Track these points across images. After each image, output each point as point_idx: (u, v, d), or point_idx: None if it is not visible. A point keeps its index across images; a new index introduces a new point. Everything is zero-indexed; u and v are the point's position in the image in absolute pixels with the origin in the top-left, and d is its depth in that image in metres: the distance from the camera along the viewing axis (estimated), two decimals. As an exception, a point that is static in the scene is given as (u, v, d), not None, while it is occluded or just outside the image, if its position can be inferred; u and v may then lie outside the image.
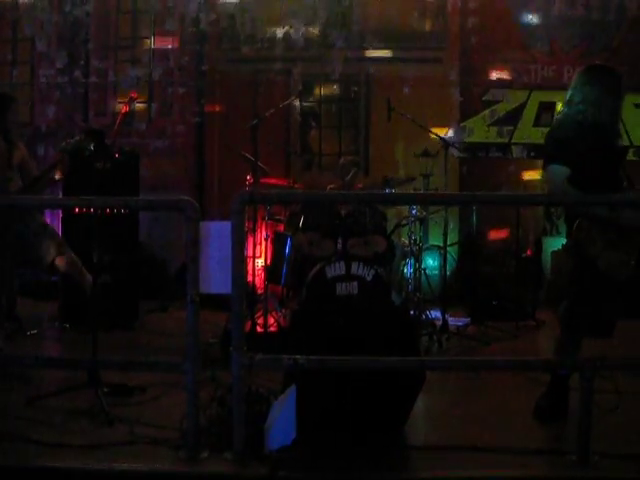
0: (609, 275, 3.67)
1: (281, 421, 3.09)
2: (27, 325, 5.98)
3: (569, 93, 4.11)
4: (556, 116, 4.00)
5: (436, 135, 6.79)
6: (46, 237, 5.24)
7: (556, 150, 3.88)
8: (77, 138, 5.66)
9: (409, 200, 5.55)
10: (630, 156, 8.72)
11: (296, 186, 7.09)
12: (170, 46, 9.03)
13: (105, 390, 4.08)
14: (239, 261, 3.02)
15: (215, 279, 3.12)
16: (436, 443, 3.50)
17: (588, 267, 3.71)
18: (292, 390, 3.14)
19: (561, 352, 3.90)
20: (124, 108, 4.57)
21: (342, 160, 7.12)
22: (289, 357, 3.18)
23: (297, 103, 8.69)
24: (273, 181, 6.83)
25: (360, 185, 6.87)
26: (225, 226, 3.03)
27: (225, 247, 3.08)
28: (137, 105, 8.82)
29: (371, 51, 8.85)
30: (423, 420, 3.95)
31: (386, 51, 8.85)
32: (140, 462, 3.18)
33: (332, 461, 3.19)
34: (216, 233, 3.07)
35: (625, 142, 8.72)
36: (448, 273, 8.22)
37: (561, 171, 3.78)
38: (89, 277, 5.12)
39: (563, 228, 7.95)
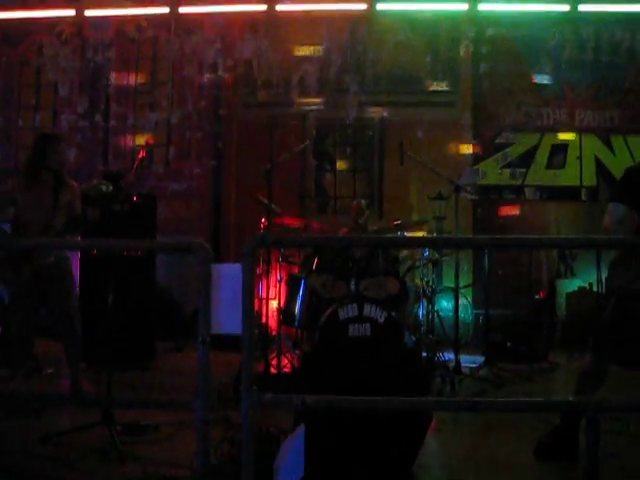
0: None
1: (290, 459, 3.13)
2: (44, 364, 6.05)
3: None
4: None
5: (447, 178, 6.87)
6: (67, 281, 5.31)
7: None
8: (94, 182, 5.79)
9: (415, 243, 5.64)
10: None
11: (313, 224, 7.14)
12: (188, 91, 9.25)
13: (119, 428, 4.14)
14: (249, 302, 3.09)
15: (226, 320, 3.19)
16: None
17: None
18: (301, 429, 3.19)
19: (580, 389, 3.93)
20: (141, 153, 4.71)
21: (355, 203, 7.21)
22: (297, 396, 3.23)
23: (311, 147, 8.83)
24: (288, 221, 6.89)
25: (375, 227, 6.95)
26: (236, 268, 3.11)
27: (236, 289, 3.15)
28: (155, 148, 9.03)
29: (385, 96, 9.02)
30: (432, 460, 3.97)
31: (400, 96, 9.01)
32: (150, 500, 3.24)
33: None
34: (227, 275, 3.15)
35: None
36: (471, 316, 8.30)
37: (618, 209, 3.80)
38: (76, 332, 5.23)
39: (578, 270, 8.01)
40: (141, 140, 8.90)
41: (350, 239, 5.16)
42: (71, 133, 9.40)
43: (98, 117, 9.40)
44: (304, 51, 9.05)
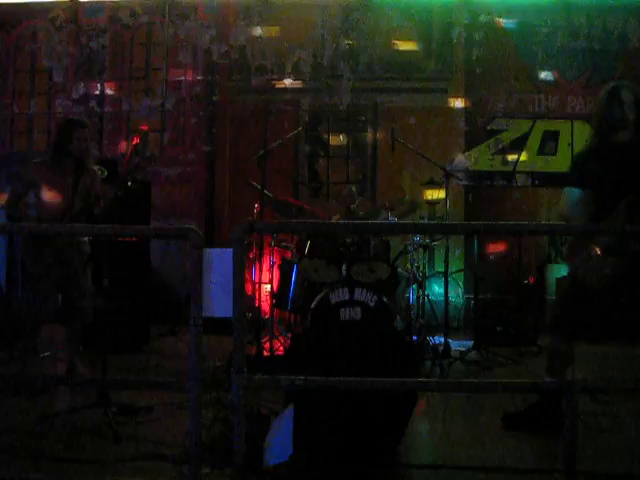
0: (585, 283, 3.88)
1: (279, 438, 3.23)
2: (40, 347, 6.14)
3: None
4: None
5: (438, 165, 6.95)
6: (85, 266, 5.38)
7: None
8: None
9: (410, 229, 5.72)
10: None
11: (306, 207, 7.19)
12: (182, 77, 9.30)
13: (113, 410, 4.25)
14: (239, 286, 3.19)
15: (218, 304, 3.28)
16: (428, 462, 3.64)
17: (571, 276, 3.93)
18: (290, 409, 3.30)
19: (551, 367, 4.06)
20: (135, 140, 4.78)
21: (347, 188, 7.28)
22: (286, 377, 3.34)
23: (304, 133, 8.88)
24: (290, 200, 6.95)
25: (364, 211, 7.02)
26: (227, 253, 3.20)
27: (227, 273, 3.24)
28: (150, 134, 9.08)
29: (378, 82, 9.08)
30: (416, 440, 4.08)
31: (392, 82, 9.07)
32: (144, 477, 3.34)
33: (327, 476, 3.33)
34: (219, 260, 3.24)
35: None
36: (462, 300, 8.40)
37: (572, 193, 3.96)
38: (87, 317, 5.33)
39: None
40: (135, 125, 8.98)
41: (337, 225, 5.25)
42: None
43: (93, 103, 9.43)
44: (298, 37, 9.08)
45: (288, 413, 3.30)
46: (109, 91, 9.50)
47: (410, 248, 6.77)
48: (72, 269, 5.29)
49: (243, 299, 3.18)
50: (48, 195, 5.24)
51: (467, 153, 8.93)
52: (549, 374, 4.14)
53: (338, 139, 9.29)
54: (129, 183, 6.53)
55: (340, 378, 3.42)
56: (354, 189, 7.26)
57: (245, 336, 3.46)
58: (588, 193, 3.91)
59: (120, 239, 6.25)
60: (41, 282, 5.25)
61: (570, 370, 4.09)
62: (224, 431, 3.70)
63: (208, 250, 3.34)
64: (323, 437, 3.61)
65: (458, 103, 9.02)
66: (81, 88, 9.48)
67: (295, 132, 7.39)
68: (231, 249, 3.24)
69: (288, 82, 9.11)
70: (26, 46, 9.63)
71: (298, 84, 9.13)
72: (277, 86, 9.15)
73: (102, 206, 5.16)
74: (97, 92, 9.49)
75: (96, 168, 5.51)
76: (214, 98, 9.27)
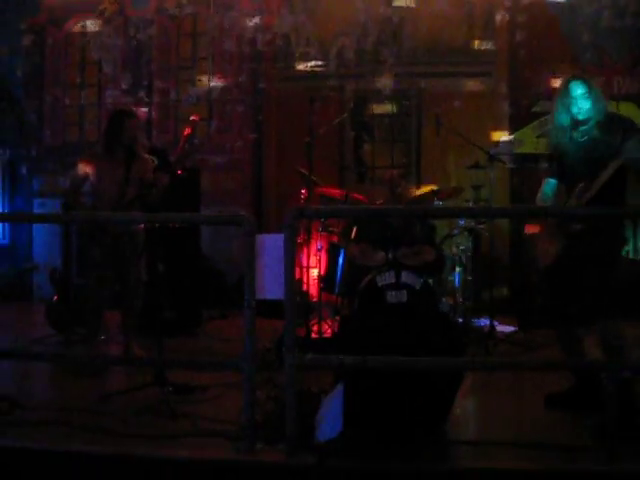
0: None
1: (329, 416, 3.37)
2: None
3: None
4: None
5: (482, 149, 6.98)
6: (138, 253, 5.58)
7: None
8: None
9: (455, 213, 5.83)
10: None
11: (353, 196, 7.32)
12: (228, 66, 9.46)
13: (169, 389, 4.44)
14: (290, 270, 3.33)
15: (269, 287, 3.43)
16: (473, 439, 3.75)
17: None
18: (340, 387, 3.44)
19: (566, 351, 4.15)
20: (187, 130, 4.94)
21: (390, 173, 7.35)
22: (336, 357, 3.48)
23: (349, 119, 8.97)
24: (329, 191, 7.07)
25: (412, 195, 7.10)
26: (278, 238, 3.34)
27: (279, 257, 3.38)
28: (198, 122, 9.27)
29: (422, 67, 9.12)
30: (462, 418, 4.19)
31: (436, 66, 9.10)
32: (202, 451, 3.52)
33: (376, 452, 3.46)
34: (270, 245, 3.39)
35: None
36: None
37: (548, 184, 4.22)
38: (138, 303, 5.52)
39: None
40: (185, 115, 9.19)
41: (385, 209, 5.35)
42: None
43: (141, 93, 9.66)
44: (341, 24, 9.15)
45: (338, 391, 3.44)
46: (157, 81, 9.71)
47: (455, 231, 6.83)
48: (126, 257, 5.50)
49: (294, 282, 3.32)
50: (102, 184, 5.45)
51: (512, 136, 8.92)
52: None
53: (382, 124, 9.36)
54: (179, 171, 6.74)
55: (388, 357, 3.54)
56: (398, 173, 7.33)
57: (292, 317, 3.62)
58: (561, 185, 4.04)
59: (171, 226, 6.45)
60: (98, 269, 5.47)
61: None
62: (276, 409, 3.85)
63: (260, 236, 3.48)
64: (372, 416, 3.74)
65: (502, 86, 9.01)
66: (129, 79, 9.71)
67: (341, 118, 7.49)
68: (281, 235, 3.39)
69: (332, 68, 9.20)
70: (76, 40, 9.89)
71: (343, 71, 9.20)
72: (321, 72, 9.24)
73: (156, 194, 5.32)
74: (145, 82, 9.72)
75: (147, 156, 5.70)
76: (260, 86, 9.41)
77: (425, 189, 6.99)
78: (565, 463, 3.43)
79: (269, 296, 3.48)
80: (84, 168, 5.61)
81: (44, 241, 9.35)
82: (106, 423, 3.97)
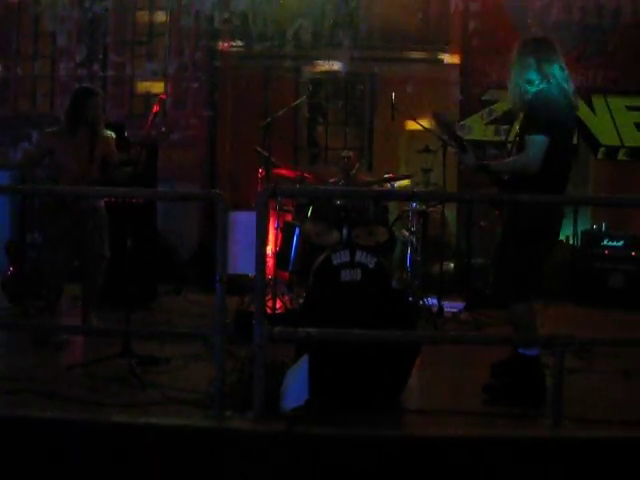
0: None
1: (295, 385, 3.58)
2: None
3: (529, 72, 4.23)
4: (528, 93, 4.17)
5: (434, 133, 7.21)
6: (101, 229, 5.64)
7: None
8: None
9: (410, 197, 6.10)
10: (621, 156, 9.22)
11: (306, 176, 7.48)
12: (185, 43, 9.49)
13: (135, 360, 4.57)
14: (261, 246, 3.50)
15: (240, 261, 3.59)
16: (429, 407, 4.01)
17: None
18: (305, 358, 3.64)
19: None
20: (155, 108, 5.02)
21: (345, 154, 7.54)
22: (303, 330, 3.68)
23: (304, 100, 9.12)
24: (283, 172, 7.22)
25: (367, 179, 7.32)
26: (251, 216, 3.50)
27: (250, 235, 3.55)
28: (152, 98, 9.32)
29: (376, 51, 9.32)
30: (418, 389, 4.45)
31: (390, 51, 9.31)
32: (173, 419, 3.68)
33: (339, 420, 3.68)
34: (242, 222, 3.54)
35: (616, 142, 9.28)
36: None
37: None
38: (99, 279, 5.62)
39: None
40: (141, 89, 9.25)
41: (350, 190, 5.54)
42: (69, 82, 9.63)
43: (96, 66, 9.61)
44: (299, 5, 9.26)
45: (303, 362, 3.64)
46: (112, 55, 9.68)
47: (408, 214, 7.08)
48: (87, 233, 5.57)
49: (265, 258, 3.50)
50: (65, 161, 5.49)
51: (461, 122, 9.20)
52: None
53: (336, 107, 9.55)
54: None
55: (352, 330, 3.76)
56: (353, 155, 7.53)
57: (262, 292, 3.80)
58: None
59: (129, 201, 6.51)
60: (58, 244, 5.53)
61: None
62: (242, 379, 4.03)
63: (233, 213, 3.64)
64: (335, 386, 3.95)
65: (453, 73, 9.27)
66: (84, 52, 9.65)
67: (300, 100, 7.65)
68: (254, 213, 3.55)
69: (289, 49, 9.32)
70: (29, 9, 9.75)
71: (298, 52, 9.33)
72: (278, 53, 9.35)
73: (124, 173, 5.41)
74: (100, 56, 9.67)
75: (108, 133, 5.75)
76: (216, 64, 9.47)
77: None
78: (509, 429, 3.71)
79: (240, 271, 3.65)
80: (46, 142, 5.64)
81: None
82: (75, 392, 4.08)
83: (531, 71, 4.23)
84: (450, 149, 7.50)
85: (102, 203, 5.65)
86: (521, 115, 4.35)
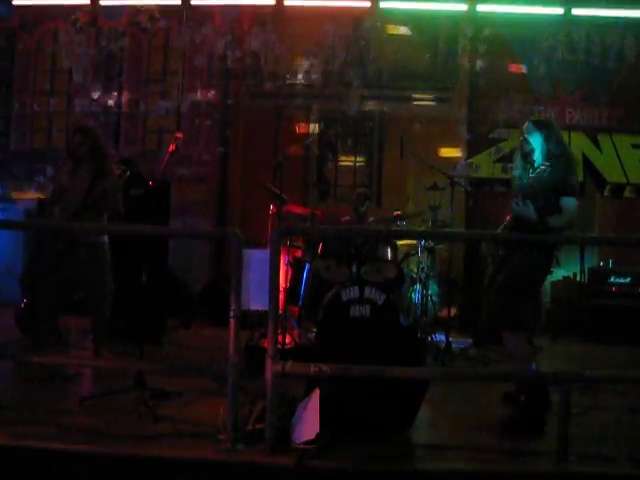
0: None
1: (306, 419, 3.64)
2: (67, 338, 6.51)
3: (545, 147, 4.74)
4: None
5: (442, 172, 7.33)
6: (101, 264, 5.71)
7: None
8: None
9: (419, 235, 6.25)
10: (627, 193, 9.32)
11: (317, 212, 7.58)
12: (198, 81, 9.70)
13: (147, 393, 4.64)
14: (275, 282, 3.60)
15: (252, 297, 3.68)
16: (438, 443, 4.06)
17: None
18: (316, 393, 3.71)
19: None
20: (171, 146, 5.16)
21: (357, 192, 7.65)
22: (315, 365, 3.75)
23: (315, 138, 9.29)
24: (294, 209, 7.34)
25: (374, 218, 7.42)
26: (263, 254, 3.60)
27: (262, 271, 3.64)
28: (166, 134, 9.52)
29: (386, 90, 9.49)
30: (426, 423, 4.50)
31: (400, 90, 9.48)
32: (186, 451, 3.75)
33: (349, 453, 3.74)
34: (255, 259, 3.64)
35: (622, 180, 9.40)
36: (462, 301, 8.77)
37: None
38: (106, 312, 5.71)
39: (563, 259, 8.59)
40: (154, 125, 9.44)
41: (360, 230, 5.65)
42: (84, 118, 9.84)
43: (111, 103, 9.82)
44: (310, 45, 9.47)
45: (314, 396, 3.71)
46: (126, 92, 9.88)
47: (416, 250, 7.17)
48: (88, 266, 5.65)
49: (278, 293, 3.59)
50: (65, 195, 5.65)
51: (469, 160, 9.33)
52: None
53: (346, 144, 9.70)
54: (150, 183, 6.93)
55: (364, 366, 3.83)
56: (363, 193, 7.65)
57: (276, 328, 3.89)
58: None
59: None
60: (48, 272, 5.65)
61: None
62: (251, 413, 4.10)
63: (248, 251, 3.74)
64: (344, 420, 4.02)
65: (461, 112, 9.44)
66: (99, 88, 9.86)
67: (312, 138, 7.78)
68: (267, 251, 3.65)
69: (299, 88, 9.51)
70: (47, 47, 10.00)
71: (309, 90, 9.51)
72: (289, 91, 9.53)
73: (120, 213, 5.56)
74: (115, 93, 9.88)
75: (117, 167, 5.89)
76: (228, 102, 9.66)
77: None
78: (515, 465, 3.77)
79: (253, 307, 3.74)
80: (59, 177, 5.87)
81: (7, 246, 9.40)
82: (88, 424, 4.16)
83: (546, 149, 4.73)
84: (458, 189, 7.64)
85: (103, 238, 5.74)
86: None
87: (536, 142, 4.75)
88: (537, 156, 4.74)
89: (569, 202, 4.58)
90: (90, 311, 5.78)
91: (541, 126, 4.82)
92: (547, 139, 4.71)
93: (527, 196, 4.66)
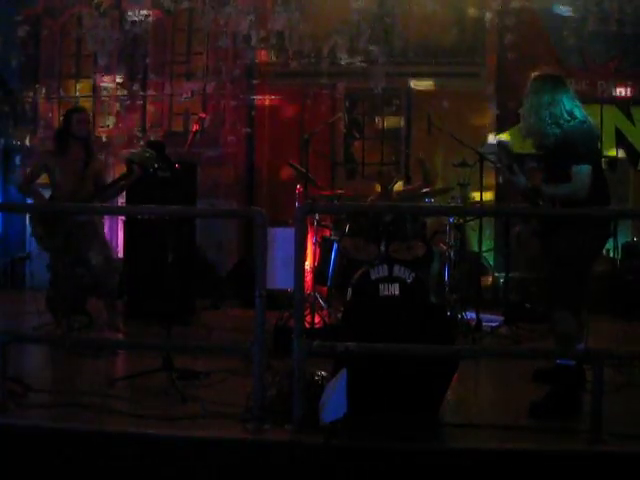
0: None
1: (334, 398, 3.60)
2: (97, 320, 6.55)
3: (569, 105, 4.39)
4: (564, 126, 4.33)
5: (472, 148, 7.21)
6: (100, 235, 5.88)
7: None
8: (140, 150, 6.29)
9: (447, 212, 6.13)
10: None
11: (340, 192, 7.53)
12: (222, 61, 9.65)
13: (175, 374, 4.64)
14: (300, 261, 3.55)
15: (279, 277, 3.65)
16: (469, 422, 4.00)
17: None
18: (343, 372, 3.67)
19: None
20: (195, 126, 5.14)
21: (385, 170, 7.58)
22: (341, 344, 3.71)
23: (342, 116, 9.20)
24: (319, 192, 7.28)
25: (402, 190, 7.33)
26: (289, 232, 3.56)
27: (288, 250, 3.60)
28: (192, 116, 9.49)
29: (412, 66, 9.37)
30: (456, 403, 4.44)
31: (426, 66, 9.35)
32: (213, 431, 3.74)
33: (378, 433, 3.71)
34: (281, 238, 3.60)
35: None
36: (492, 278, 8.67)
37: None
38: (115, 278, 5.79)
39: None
40: (180, 108, 9.42)
41: (385, 206, 5.58)
42: (110, 102, 9.87)
43: (136, 86, 9.82)
44: (334, 22, 9.36)
45: (342, 375, 3.67)
46: (151, 75, 9.87)
47: (445, 228, 7.08)
48: (87, 240, 5.77)
49: (303, 272, 3.55)
50: (60, 179, 5.72)
51: (499, 136, 9.17)
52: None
53: (373, 122, 9.61)
54: (176, 165, 6.94)
55: (390, 344, 3.78)
56: (389, 170, 7.58)
57: (301, 307, 3.85)
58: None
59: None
60: (60, 255, 5.73)
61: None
62: (279, 393, 4.07)
63: (273, 229, 3.70)
64: (373, 399, 3.97)
65: (489, 87, 9.28)
66: (124, 72, 9.87)
67: (337, 117, 7.71)
68: (291, 229, 3.61)
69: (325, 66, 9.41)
70: (72, 32, 10.01)
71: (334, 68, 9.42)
72: (314, 70, 9.45)
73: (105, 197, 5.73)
74: (140, 76, 9.87)
75: (144, 150, 5.92)
76: (253, 82, 9.60)
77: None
78: (548, 444, 3.69)
79: (279, 286, 3.70)
80: (41, 160, 6.01)
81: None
82: (117, 405, 4.17)
83: (558, 107, 4.37)
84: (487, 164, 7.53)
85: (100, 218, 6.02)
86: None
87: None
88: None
89: (582, 170, 4.20)
90: (98, 282, 5.86)
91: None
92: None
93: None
